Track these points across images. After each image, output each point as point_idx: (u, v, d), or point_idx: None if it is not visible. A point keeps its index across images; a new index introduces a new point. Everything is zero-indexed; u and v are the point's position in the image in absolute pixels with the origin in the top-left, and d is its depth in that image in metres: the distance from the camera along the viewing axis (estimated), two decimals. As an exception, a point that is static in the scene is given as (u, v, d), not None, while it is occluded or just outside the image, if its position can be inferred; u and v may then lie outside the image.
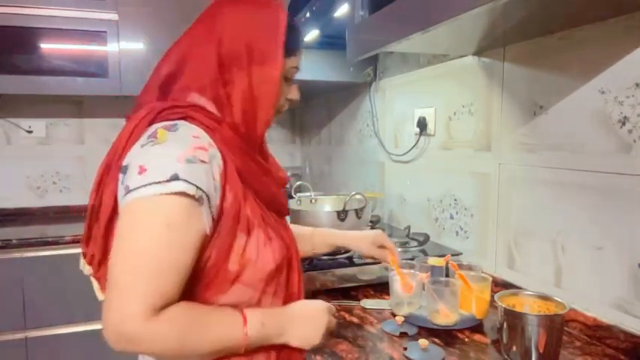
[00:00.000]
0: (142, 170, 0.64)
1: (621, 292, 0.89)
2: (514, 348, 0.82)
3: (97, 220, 0.72)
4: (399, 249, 1.38)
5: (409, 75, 1.66)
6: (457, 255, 1.33)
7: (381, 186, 1.89)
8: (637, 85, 0.85)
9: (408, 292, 1.02)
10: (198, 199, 0.65)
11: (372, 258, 1.09)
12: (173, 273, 0.63)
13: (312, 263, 1.21)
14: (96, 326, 1.80)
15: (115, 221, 0.69)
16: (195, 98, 0.75)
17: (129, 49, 1.99)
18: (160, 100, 0.77)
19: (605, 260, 0.92)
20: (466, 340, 0.93)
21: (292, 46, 0.78)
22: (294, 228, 1.06)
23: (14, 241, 1.71)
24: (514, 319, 0.82)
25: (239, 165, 0.73)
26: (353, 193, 1.45)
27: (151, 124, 0.71)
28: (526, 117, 1.12)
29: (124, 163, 0.68)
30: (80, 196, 2.34)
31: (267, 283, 0.75)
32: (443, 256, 1.14)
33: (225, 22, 0.76)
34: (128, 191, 0.64)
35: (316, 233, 1.09)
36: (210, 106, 0.75)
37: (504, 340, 0.84)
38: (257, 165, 0.77)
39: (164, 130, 0.68)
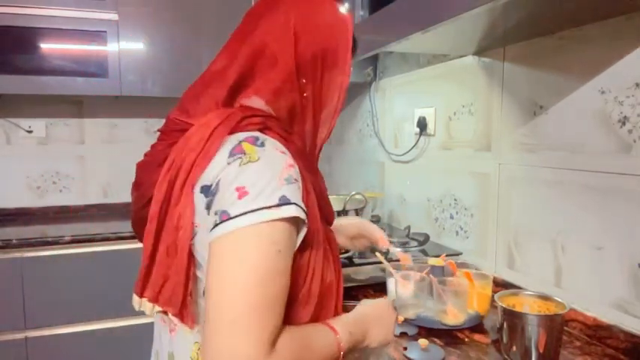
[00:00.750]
0: (242, 194, 0.56)
1: (621, 292, 0.89)
2: (514, 348, 0.82)
3: (169, 254, 0.63)
4: (399, 249, 1.38)
5: (409, 75, 1.66)
6: (457, 255, 1.33)
7: (381, 186, 1.89)
8: (637, 85, 0.85)
9: (405, 288, 1.01)
10: (305, 222, 0.60)
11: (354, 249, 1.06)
12: (282, 302, 0.58)
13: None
14: (96, 326, 1.80)
15: (191, 248, 0.62)
16: (261, 104, 0.67)
17: (129, 49, 1.99)
18: (226, 105, 0.67)
19: (605, 260, 0.92)
20: (466, 340, 0.93)
21: (355, 48, 0.73)
22: None
23: (14, 241, 1.71)
24: (514, 319, 0.82)
25: (311, 179, 0.67)
26: (353, 193, 1.45)
27: (228, 134, 0.62)
28: (526, 117, 1.12)
29: (205, 182, 0.60)
30: (80, 196, 2.34)
31: (326, 297, 0.70)
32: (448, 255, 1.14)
33: (299, 17, 0.67)
34: (229, 218, 0.56)
35: None
36: (280, 114, 0.68)
37: (504, 340, 0.84)
38: (319, 178, 0.73)
39: (250, 145, 0.60)
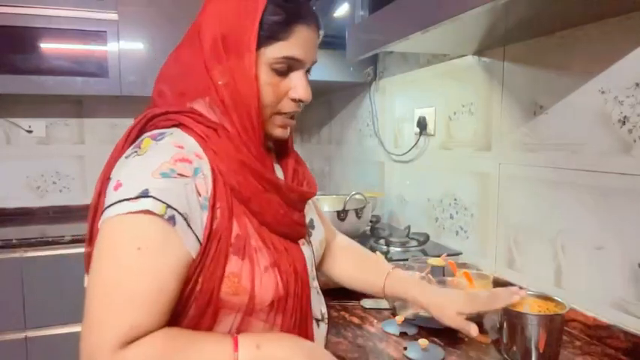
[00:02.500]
0: (117, 185, 0.58)
1: (621, 292, 0.89)
2: (514, 348, 0.82)
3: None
4: (399, 249, 1.38)
5: (409, 75, 1.66)
6: (457, 255, 1.33)
7: (381, 186, 1.89)
8: (637, 84, 0.85)
9: None
10: (168, 220, 0.56)
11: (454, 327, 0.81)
12: (148, 302, 0.55)
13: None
14: (96, 326, 1.80)
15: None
16: (198, 104, 0.68)
17: (129, 49, 1.99)
18: (158, 106, 0.70)
19: (605, 260, 0.92)
20: (466, 339, 0.93)
21: (278, 28, 0.65)
22: (369, 255, 0.96)
23: (14, 241, 1.71)
24: (514, 319, 0.82)
25: (232, 180, 0.63)
26: (353, 192, 1.45)
27: (142, 132, 0.65)
28: (526, 117, 1.12)
29: (111, 174, 0.63)
30: (80, 196, 2.34)
31: (268, 314, 0.65)
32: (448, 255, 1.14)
33: (205, 15, 0.68)
34: (103, 209, 0.58)
35: (393, 274, 0.88)
36: (210, 112, 0.67)
37: (504, 340, 0.84)
38: (259, 180, 0.66)
39: (150, 140, 0.62)
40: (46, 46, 1.92)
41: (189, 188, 0.59)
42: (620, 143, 0.89)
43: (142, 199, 0.56)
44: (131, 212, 0.55)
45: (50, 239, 1.75)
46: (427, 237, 1.44)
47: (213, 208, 0.61)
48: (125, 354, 0.54)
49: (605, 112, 0.92)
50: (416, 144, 1.57)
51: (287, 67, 0.67)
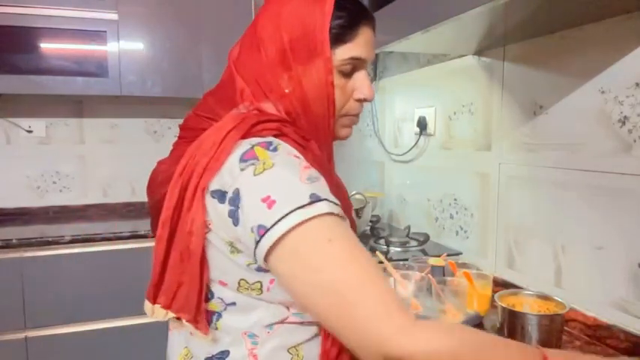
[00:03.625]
0: (270, 203, 0.54)
1: (621, 292, 0.89)
2: (514, 348, 0.82)
3: (182, 260, 0.61)
4: (399, 249, 1.38)
5: (409, 74, 1.66)
6: (457, 255, 1.33)
7: (381, 186, 1.89)
8: (637, 84, 0.85)
9: (404, 288, 1.01)
10: (342, 217, 0.57)
11: None
12: (375, 282, 0.53)
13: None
14: (96, 326, 1.80)
15: (205, 253, 0.61)
16: (274, 110, 0.66)
17: (129, 49, 1.99)
18: (234, 107, 0.67)
19: (605, 260, 0.92)
20: (466, 339, 0.93)
21: (344, 31, 0.65)
22: None
23: (14, 241, 1.71)
24: (514, 319, 0.82)
25: (331, 186, 0.63)
26: (353, 192, 1.45)
27: (241, 139, 0.60)
28: (526, 117, 1.12)
29: (217, 186, 0.58)
30: (80, 196, 2.34)
31: None
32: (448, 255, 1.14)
33: (267, 20, 0.66)
34: (266, 231, 0.54)
35: None
36: (292, 119, 0.66)
37: (504, 339, 0.84)
38: (338, 187, 0.68)
39: (263, 150, 0.58)
40: (46, 46, 1.91)
41: (327, 188, 0.59)
42: (620, 143, 0.89)
43: (317, 204, 0.54)
44: (313, 217, 0.53)
45: (50, 239, 1.75)
46: (427, 237, 1.44)
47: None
48: (418, 326, 0.50)
49: (605, 112, 0.91)
50: (416, 144, 1.57)
51: (352, 67, 0.67)
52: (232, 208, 0.57)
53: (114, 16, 1.96)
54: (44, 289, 1.74)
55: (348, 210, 0.71)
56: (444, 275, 1.09)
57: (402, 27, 0.99)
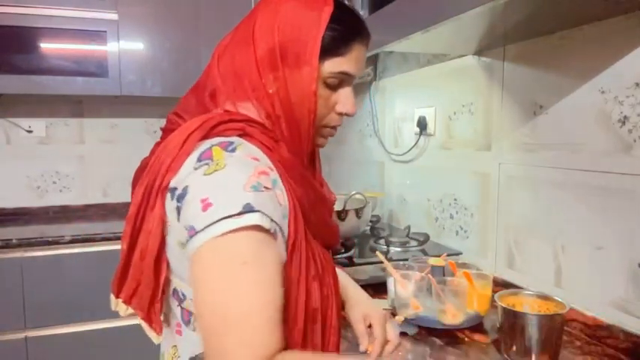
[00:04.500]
0: (206, 205, 0.54)
1: (621, 292, 0.89)
2: (514, 348, 0.82)
3: (142, 258, 0.61)
4: (399, 249, 1.38)
5: (409, 75, 1.66)
6: (457, 255, 1.33)
7: (381, 186, 1.89)
8: (637, 84, 0.85)
9: (404, 288, 1.01)
10: (272, 234, 0.56)
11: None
12: (266, 315, 0.54)
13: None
14: (96, 326, 1.80)
15: (164, 252, 0.61)
16: (250, 111, 0.65)
17: (129, 49, 1.99)
18: (204, 111, 0.67)
19: (605, 260, 0.92)
20: (466, 339, 0.93)
21: (337, 44, 0.64)
22: None
23: (14, 241, 1.71)
24: (514, 319, 0.82)
25: (298, 191, 0.63)
26: (353, 192, 1.45)
27: (203, 139, 0.61)
28: (526, 117, 1.12)
29: (173, 184, 0.59)
30: (80, 196, 2.34)
31: (310, 325, 0.65)
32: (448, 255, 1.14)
33: (262, 18, 0.66)
34: (195, 233, 0.54)
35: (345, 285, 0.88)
36: (264, 122, 0.65)
37: (504, 340, 0.84)
38: (314, 191, 0.68)
39: (220, 150, 0.58)
40: (46, 46, 1.92)
41: (274, 200, 0.58)
42: (620, 143, 0.89)
43: (248, 215, 0.53)
44: (239, 228, 0.53)
45: (50, 239, 1.75)
46: (427, 237, 1.44)
47: (289, 218, 0.61)
48: None
49: (605, 112, 0.92)
50: (416, 144, 1.57)
51: (339, 82, 0.67)
52: (179, 204, 0.58)
53: (114, 16, 1.96)
54: (44, 289, 1.74)
55: (325, 213, 0.71)
56: (444, 275, 1.09)
57: (402, 27, 0.98)
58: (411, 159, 1.65)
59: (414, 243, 1.43)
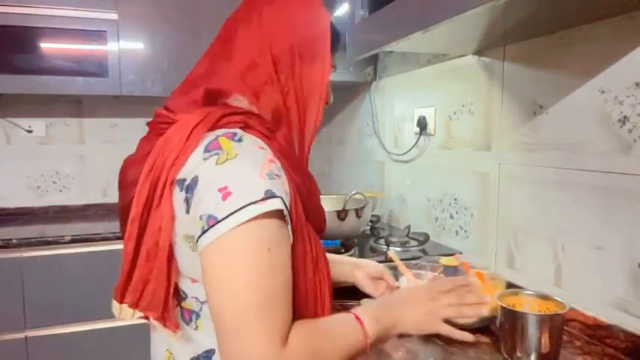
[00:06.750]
0: (225, 194, 0.55)
1: (621, 292, 0.89)
2: (514, 348, 0.82)
3: (149, 258, 0.61)
4: (399, 249, 1.38)
5: (409, 74, 1.66)
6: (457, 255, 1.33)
7: (381, 186, 1.89)
8: (637, 84, 0.85)
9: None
10: (286, 219, 0.60)
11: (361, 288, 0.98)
12: (285, 297, 0.58)
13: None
14: (96, 326, 1.80)
15: (173, 249, 0.61)
16: (245, 104, 0.68)
17: (129, 48, 1.99)
18: (207, 104, 0.68)
19: (605, 260, 0.92)
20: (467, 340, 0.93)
21: (336, 42, 0.75)
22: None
23: (14, 241, 1.71)
24: (514, 319, 0.81)
25: (296, 179, 0.65)
26: (353, 192, 1.45)
27: (207, 132, 0.62)
28: (526, 117, 1.12)
29: (180, 176, 0.59)
30: (80, 195, 2.34)
31: (305, 306, 0.68)
32: (444, 255, 1.14)
33: (270, 17, 0.69)
34: (216, 222, 0.55)
35: (335, 261, 0.98)
36: (264, 114, 0.68)
37: (504, 339, 0.84)
38: (308, 179, 0.71)
39: (227, 140, 0.60)
40: (46, 46, 1.91)
41: (284, 187, 0.60)
42: (620, 143, 0.89)
43: (271, 200, 0.56)
44: (264, 214, 0.55)
45: (50, 239, 1.75)
46: (427, 237, 1.44)
47: (291, 204, 0.62)
48: (288, 353, 0.55)
49: (605, 112, 0.91)
50: (416, 144, 1.57)
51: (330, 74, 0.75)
52: (188, 195, 0.58)
53: (114, 16, 1.96)
54: (44, 289, 1.74)
55: (317, 199, 0.74)
56: (456, 275, 1.08)
57: (402, 27, 0.98)
58: (411, 159, 1.65)
59: (414, 243, 1.43)
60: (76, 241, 1.77)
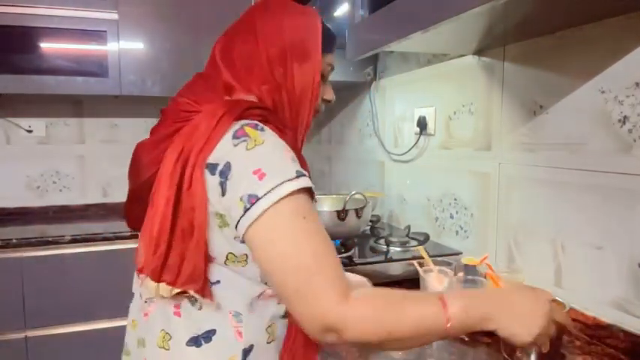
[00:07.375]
0: (261, 175, 0.61)
1: (621, 292, 0.89)
2: (514, 348, 0.82)
3: (184, 237, 0.65)
4: (399, 248, 1.38)
5: (409, 74, 1.66)
6: (457, 255, 1.33)
7: (381, 186, 1.89)
8: (637, 84, 0.85)
9: (440, 284, 1.01)
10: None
11: None
12: (329, 255, 0.62)
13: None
14: (96, 326, 1.80)
15: (207, 226, 0.66)
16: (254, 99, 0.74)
17: (129, 48, 1.99)
18: (219, 99, 0.74)
19: (605, 260, 0.92)
20: (466, 339, 0.93)
21: (328, 43, 0.79)
22: None
23: (14, 241, 1.71)
24: (514, 319, 0.81)
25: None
26: (353, 192, 1.45)
27: (234, 121, 0.67)
28: (526, 117, 1.12)
29: (212, 160, 0.64)
30: (80, 195, 2.34)
31: None
32: (444, 255, 1.14)
33: (263, 21, 0.76)
34: (257, 199, 0.61)
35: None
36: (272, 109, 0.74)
37: (504, 339, 0.84)
38: (308, 172, 0.76)
39: (252, 129, 0.65)
40: (46, 46, 1.91)
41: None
42: (620, 143, 0.89)
43: (303, 178, 0.63)
44: (299, 189, 0.62)
45: (50, 239, 1.75)
46: (427, 237, 1.44)
47: None
48: (353, 302, 0.59)
49: (605, 112, 0.92)
50: (416, 144, 1.57)
51: (327, 73, 0.83)
52: (222, 179, 0.63)
53: (114, 16, 1.96)
54: (44, 289, 1.74)
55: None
56: (477, 275, 1.08)
57: (402, 27, 0.98)
58: (410, 159, 1.65)
59: (414, 243, 1.43)
60: (76, 241, 1.77)
